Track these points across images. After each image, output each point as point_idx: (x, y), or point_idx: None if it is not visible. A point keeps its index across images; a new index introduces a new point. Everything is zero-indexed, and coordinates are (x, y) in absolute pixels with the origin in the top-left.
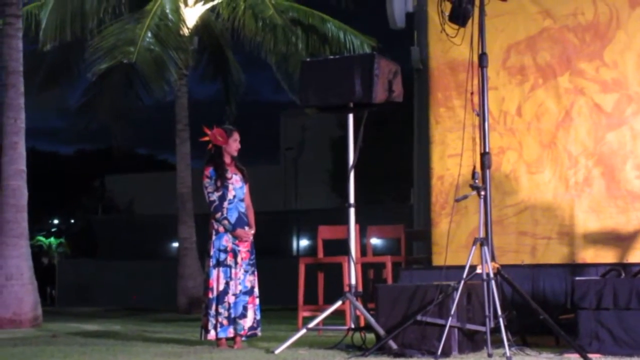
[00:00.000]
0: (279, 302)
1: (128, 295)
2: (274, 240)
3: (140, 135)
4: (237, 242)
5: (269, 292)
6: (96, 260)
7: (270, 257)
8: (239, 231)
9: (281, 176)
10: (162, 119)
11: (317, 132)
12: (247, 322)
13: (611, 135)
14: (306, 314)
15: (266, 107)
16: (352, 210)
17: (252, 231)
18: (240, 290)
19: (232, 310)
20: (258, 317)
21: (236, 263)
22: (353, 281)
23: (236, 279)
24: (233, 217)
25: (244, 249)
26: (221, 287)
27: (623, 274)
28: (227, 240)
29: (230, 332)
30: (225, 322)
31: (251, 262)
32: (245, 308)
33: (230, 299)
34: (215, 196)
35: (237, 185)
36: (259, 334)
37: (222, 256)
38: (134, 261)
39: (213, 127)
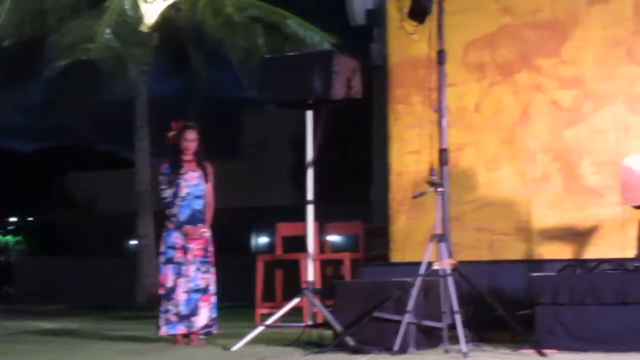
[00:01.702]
0: (237, 299)
1: (89, 292)
2: (233, 237)
3: (102, 133)
4: (188, 239)
5: (227, 289)
6: (56, 258)
7: (229, 254)
8: (186, 228)
9: (243, 173)
10: (123, 116)
11: (279, 129)
12: (200, 321)
13: (569, 131)
14: (264, 311)
15: (229, 104)
16: (310, 207)
17: (204, 229)
18: (191, 288)
19: (183, 308)
20: (214, 315)
21: (187, 260)
22: (311, 278)
23: (187, 277)
24: (185, 214)
25: (196, 247)
26: (169, 284)
27: (579, 270)
28: (176, 237)
29: (180, 329)
30: (173, 318)
31: (205, 260)
32: (197, 307)
33: (181, 296)
34: (167, 192)
35: (191, 182)
36: (214, 332)
37: (171, 253)
38: (95, 258)
39: (176, 122)
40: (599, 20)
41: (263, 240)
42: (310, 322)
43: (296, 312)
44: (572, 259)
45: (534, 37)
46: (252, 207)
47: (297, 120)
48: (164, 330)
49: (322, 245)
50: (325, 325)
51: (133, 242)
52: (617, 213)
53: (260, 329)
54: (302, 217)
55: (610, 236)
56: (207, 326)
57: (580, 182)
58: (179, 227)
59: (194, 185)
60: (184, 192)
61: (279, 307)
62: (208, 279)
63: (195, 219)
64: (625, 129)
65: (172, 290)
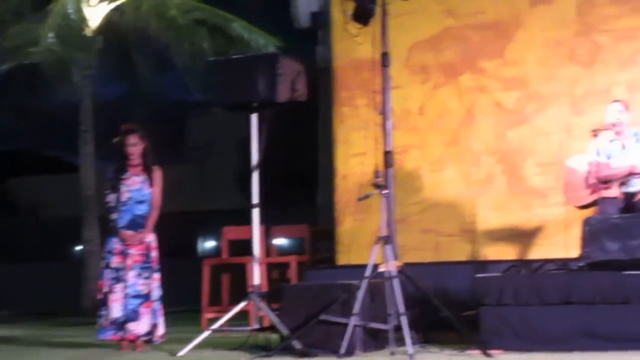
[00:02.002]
0: (184, 304)
1: (34, 299)
2: (179, 241)
3: (47, 137)
4: (127, 244)
5: (173, 294)
6: (1, 264)
7: (175, 259)
8: (124, 233)
9: (188, 176)
10: (69, 120)
11: (224, 132)
12: (140, 327)
13: (512, 132)
14: (210, 315)
15: (175, 107)
16: (256, 211)
17: (142, 235)
18: (129, 294)
19: (118, 314)
20: (156, 321)
21: (126, 265)
22: (257, 282)
23: (125, 282)
24: (125, 219)
25: (136, 252)
26: (105, 289)
27: (524, 270)
28: (115, 242)
29: (111, 335)
30: (105, 324)
31: (146, 266)
32: (135, 312)
33: (117, 301)
34: (110, 197)
35: (133, 187)
36: (157, 340)
37: (110, 258)
38: (41, 264)
39: (125, 125)
40: (541, 21)
41: (209, 244)
42: (256, 326)
43: (243, 316)
44: (516, 259)
45: (477, 38)
46: (197, 210)
47: (242, 123)
48: (98, 335)
49: (268, 249)
50: (272, 328)
51: (78, 247)
52: (560, 213)
53: (206, 333)
54: (248, 221)
55: (554, 236)
56: (148, 333)
57: (524, 183)
58: (116, 232)
59: (136, 190)
60: (125, 197)
61: (226, 311)
62: (150, 284)
63: (135, 224)
64: (568, 129)
65: (107, 295)
